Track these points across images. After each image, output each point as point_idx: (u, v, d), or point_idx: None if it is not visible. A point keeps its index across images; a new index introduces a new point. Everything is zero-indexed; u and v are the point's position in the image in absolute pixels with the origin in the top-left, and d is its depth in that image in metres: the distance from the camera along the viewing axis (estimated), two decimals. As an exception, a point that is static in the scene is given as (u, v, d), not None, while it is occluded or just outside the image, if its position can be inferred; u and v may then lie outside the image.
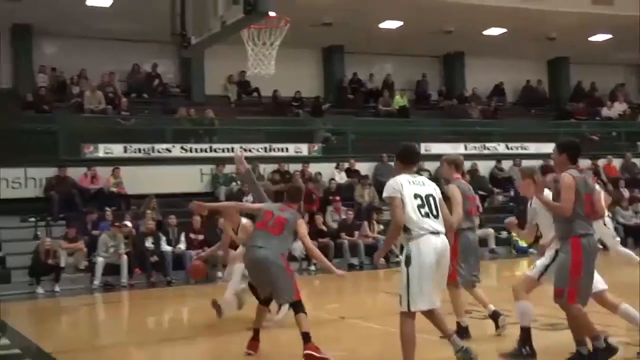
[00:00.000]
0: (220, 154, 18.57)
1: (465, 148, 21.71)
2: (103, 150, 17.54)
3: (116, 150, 17.65)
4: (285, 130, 21.16)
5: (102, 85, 19.91)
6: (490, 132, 23.01)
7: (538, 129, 24.13)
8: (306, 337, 6.27)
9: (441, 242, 5.40)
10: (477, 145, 22.02)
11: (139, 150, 17.85)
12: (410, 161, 5.71)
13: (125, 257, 14.26)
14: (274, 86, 21.44)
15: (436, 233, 5.39)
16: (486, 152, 22.02)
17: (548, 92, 27.14)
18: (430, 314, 5.50)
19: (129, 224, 14.88)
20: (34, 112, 18.50)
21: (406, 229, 5.37)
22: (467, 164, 20.69)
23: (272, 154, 19.29)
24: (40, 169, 16.39)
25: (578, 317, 5.53)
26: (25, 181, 16.21)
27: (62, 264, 13.94)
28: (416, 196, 5.43)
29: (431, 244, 5.33)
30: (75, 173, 16.66)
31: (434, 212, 5.45)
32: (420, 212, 5.38)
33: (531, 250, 17.80)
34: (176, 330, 9.09)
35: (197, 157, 18.41)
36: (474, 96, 24.96)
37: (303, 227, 6.84)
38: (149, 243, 14.74)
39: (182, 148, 18.39)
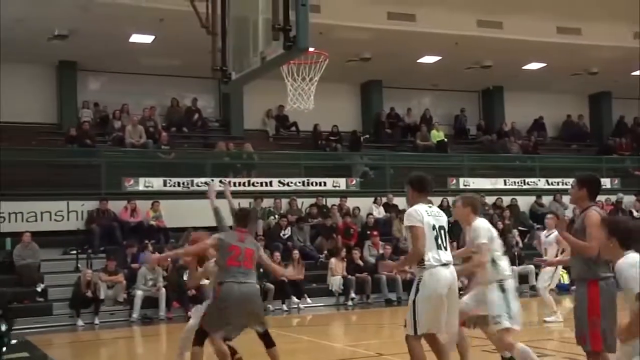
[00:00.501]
0: (259, 188, 18.70)
1: (505, 183, 21.60)
2: (143, 183, 17.76)
3: (156, 183, 17.87)
4: (323, 164, 21.21)
5: (143, 119, 20.23)
6: (531, 167, 22.81)
7: (579, 164, 23.77)
8: None
9: (450, 273, 5.62)
10: (517, 180, 21.82)
11: (178, 184, 18.04)
12: (424, 190, 5.90)
13: (163, 290, 14.35)
14: (312, 120, 21.53)
15: (446, 264, 5.61)
16: (526, 187, 21.78)
17: (589, 127, 26.80)
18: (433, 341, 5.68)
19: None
20: (77, 146, 18.85)
21: (420, 259, 5.58)
22: (507, 199, 20.59)
23: (310, 188, 19.32)
24: (82, 201, 16.65)
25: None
26: (67, 214, 16.45)
27: (102, 297, 14.08)
28: (433, 227, 5.63)
29: (442, 275, 5.56)
30: (116, 206, 16.89)
31: (444, 244, 5.67)
32: (436, 243, 5.60)
33: (573, 287, 17.42)
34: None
35: (235, 191, 18.42)
36: (513, 131, 24.76)
37: (263, 252, 7.01)
38: (187, 276, 14.77)
39: (220, 182, 18.48)
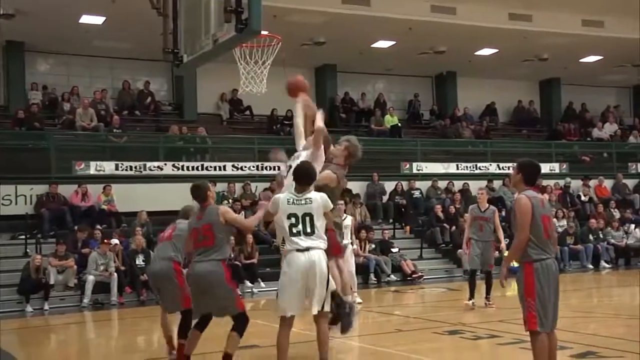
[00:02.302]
0: (212, 172, 18.61)
1: (457, 167, 21.91)
2: (94, 167, 17.52)
3: (108, 167, 17.64)
4: (277, 148, 21.15)
5: (94, 102, 19.92)
6: (482, 151, 23.14)
7: (529, 149, 24.27)
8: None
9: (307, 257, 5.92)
10: (469, 165, 22.17)
11: (131, 168, 17.84)
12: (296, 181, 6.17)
13: (115, 275, 14.21)
14: (267, 105, 21.49)
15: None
16: (478, 171, 22.14)
17: (539, 113, 27.31)
18: None
19: (116, 241, 14.83)
20: (26, 129, 18.48)
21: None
22: (459, 184, 20.87)
23: (264, 172, 19.30)
24: (31, 185, 16.39)
25: (536, 348, 5.42)
26: (15, 198, 16.19)
27: (52, 282, 13.88)
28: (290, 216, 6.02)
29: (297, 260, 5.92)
30: (66, 190, 16.64)
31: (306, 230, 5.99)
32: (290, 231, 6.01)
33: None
34: (165, 349, 9.01)
35: (188, 175, 18.34)
36: (465, 116, 25.09)
37: (229, 213, 6.73)
38: (139, 261, 14.68)
39: (173, 166, 18.38)
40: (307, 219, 6.01)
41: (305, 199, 6.06)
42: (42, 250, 14.92)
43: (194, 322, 6.75)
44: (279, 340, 6.01)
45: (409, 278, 16.84)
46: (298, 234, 5.99)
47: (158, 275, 7.33)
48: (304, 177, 6.19)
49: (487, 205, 11.68)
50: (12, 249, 15.28)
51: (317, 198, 6.09)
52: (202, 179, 17.78)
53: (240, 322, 6.44)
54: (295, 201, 6.06)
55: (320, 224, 6.05)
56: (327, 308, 6.09)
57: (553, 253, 5.49)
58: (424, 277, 16.99)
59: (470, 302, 11.28)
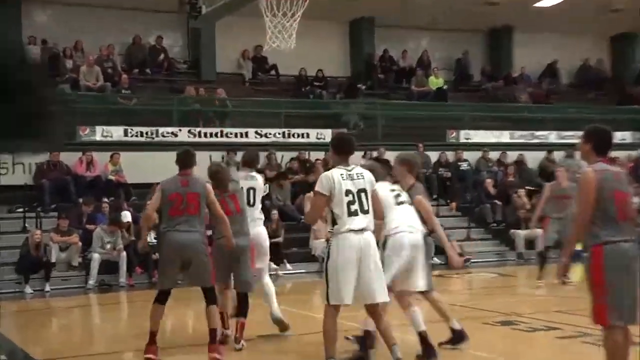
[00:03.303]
0: (232, 139, 18.69)
1: (511, 136, 21.71)
2: (100, 133, 17.69)
3: (115, 133, 17.79)
4: (306, 113, 21.20)
5: (100, 59, 20.04)
6: (541, 118, 22.92)
7: (596, 115, 23.81)
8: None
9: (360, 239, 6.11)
10: (525, 133, 21.96)
11: (141, 134, 17.99)
12: (344, 151, 6.40)
13: (124, 253, 14.37)
14: (294, 64, 21.47)
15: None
16: (535, 141, 21.93)
17: (610, 73, 26.85)
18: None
19: (128, 216, 14.97)
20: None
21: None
22: (513, 155, 20.69)
23: (291, 140, 19.37)
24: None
25: (608, 345, 5.21)
26: (12, 167, 16.32)
27: (53, 260, 14.11)
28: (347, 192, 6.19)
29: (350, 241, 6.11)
30: (69, 158, 16.82)
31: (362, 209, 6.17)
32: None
33: (586, 254, 17.66)
34: (179, 337, 9.14)
35: (206, 143, 18.45)
36: (522, 77, 24.81)
37: (212, 194, 7.31)
38: (151, 238, 14.81)
39: (189, 132, 18.47)
40: (362, 195, 6.18)
41: (357, 174, 6.26)
42: (43, 225, 15.14)
43: (157, 293, 7.48)
44: (328, 328, 6.15)
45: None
46: (355, 213, 6.12)
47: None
48: (348, 145, 6.45)
49: (567, 182, 12.21)
50: (10, 223, 15.49)
51: (366, 173, 6.32)
52: (221, 147, 18.18)
53: (213, 294, 7.27)
54: (348, 176, 6.22)
55: (370, 201, 6.23)
56: (385, 298, 6.24)
57: (633, 235, 5.20)
58: (472, 261, 16.94)
59: (541, 282, 11.72)
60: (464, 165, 20.22)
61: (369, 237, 6.15)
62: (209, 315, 7.19)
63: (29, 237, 14.16)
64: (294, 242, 16.33)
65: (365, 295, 6.15)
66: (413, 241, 6.79)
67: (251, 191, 8.37)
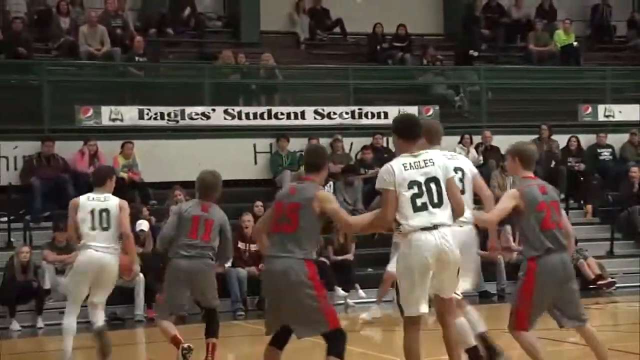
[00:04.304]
0: (284, 122, 18.77)
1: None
2: (108, 115, 17.80)
3: (127, 115, 17.91)
4: (383, 85, 21.11)
5: (106, 16, 20.18)
6: None
7: None
8: None
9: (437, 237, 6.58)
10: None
11: (162, 116, 18.08)
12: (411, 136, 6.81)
13: (141, 277, 14.41)
14: (366, 19, 21.44)
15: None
16: None
17: None
18: None
19: (144, 225, 15.02)
20: (5, 57, 18.91)
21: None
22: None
23: (363, 121, 19.34)
24: (15, 142, 16.75)
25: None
26: (-7, 160, 16.65)
27: (48, 286, 14.19)
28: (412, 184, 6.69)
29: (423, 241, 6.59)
30: (67, 150, 17.01)
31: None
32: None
33: None
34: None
35: (248, 127, 18.51)
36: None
37: (330, 201, 7.14)
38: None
39: (226, 112, 18.50)
40: (433, 185, 6.61)
41: (425, 160, 6.68)
42: (33, 240, 15.28)
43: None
44: (409, 345, 6.66)
45: (592, 286, 16.52)
46: (424, 207, 6.56)
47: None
48: (414, 129, 6.85)
49: None
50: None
51: (438, 157, 6.78)
52: (269, 132, 18.16)
53: (337, 341, 6.79)
54: (413, 164, 6.65)
55: (446, 192, 6.64)
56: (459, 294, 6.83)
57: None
58: (617, 285, 16.62)
59: None
60: (605, 154, 19.94)
61: (445, 235, 6.55)
62: None
63: (14, 255, 14.26)
64: (370, 260, 16.19)
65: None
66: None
67: None
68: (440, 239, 6.52)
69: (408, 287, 6.60)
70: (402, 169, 6.61)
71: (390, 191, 6.58)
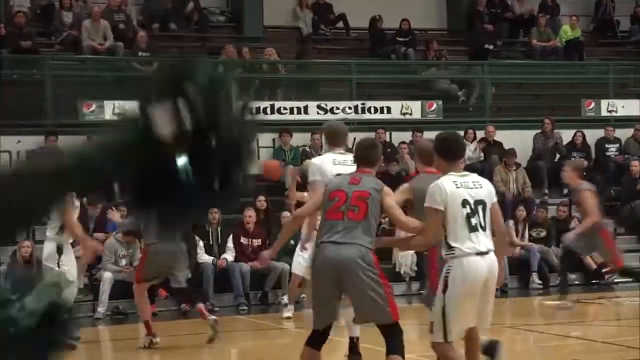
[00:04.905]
0: (287, 117, 18.80)
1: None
2: (112, 110, 17.78)
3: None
4: (386, 80, 21.07)
5: (109, 10, 20.20)
6: None
7: None
8: None
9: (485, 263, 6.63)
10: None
11: (166, 111, 18.05)
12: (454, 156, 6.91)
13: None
14: (370, 12, 21.43)
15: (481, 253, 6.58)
16: None
17: None
18: None
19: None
20: (7, 52, 18.93)
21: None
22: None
23: (367, 116, 19.36)
24: (18, 137, 16.72)
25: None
26: (-4, 154, 16.67)
27: (50, 280, 14.19)
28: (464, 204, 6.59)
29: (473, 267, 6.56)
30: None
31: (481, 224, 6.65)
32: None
33: None
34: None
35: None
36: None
37: (390, 196, 7.21)
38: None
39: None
40: (480, 208, 6.57)
41: (473, 182, 6.71)
42: (36, 234, 15.27)
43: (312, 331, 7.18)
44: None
45: (594, 281, 16.50)
46: (475, 228, 6.51)
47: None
48: (459, 148, 7.14)
49: None
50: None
51: (485, 182, 6.87)
52: (272, 127, 18.15)
53: (397, 339, 6.83)
54: (463, 184, 6.62)
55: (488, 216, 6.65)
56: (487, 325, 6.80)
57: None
58: (619, 280, 16.65)
59: None
60: (612, 149, 19.92)
61: (493, 262, 6.56)
62: None
63: (16, 250, 14.28)
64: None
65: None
66: None
67: None
68: (491, 265, 6.55)
69: (454, 314, 6.52)
70: (453, 187, 6.56)
71: (440, 211, 6.50)
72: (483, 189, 6.67)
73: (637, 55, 23.53)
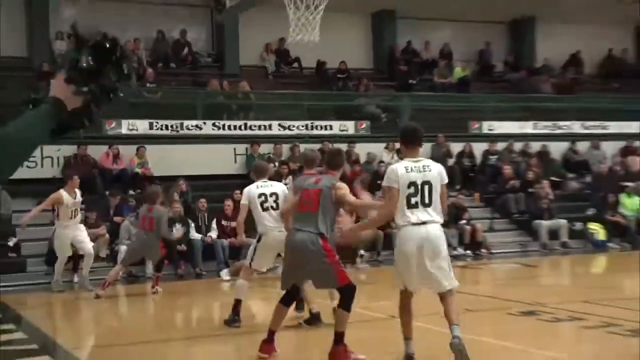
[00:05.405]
0: (257, 132, 18.71)
1: (535, 127, 21.58)
2: (126, 126, 17.77)
3: (141, 126, 17.87)
4: (329, 105, 21.15)
5: (126, 54, 20.11)
6: (565, 108, 22.65)
7: (620, 105, 23.62)
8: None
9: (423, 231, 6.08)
10: (549, 124, 21.78)
11: (167, 127, 18.05)
12: (411, 142, 6.38)
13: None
14: (317, 56, 21.49)
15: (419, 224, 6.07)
16: (559, 131, 21.76)
17: (634, 63, 26.60)
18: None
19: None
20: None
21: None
22: (537, 145, 20.57)
23: (315, 132, 19.33)
24: (57, 146, 16.59)
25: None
26: (41, 160, 16.43)
27: (81, 252, 14.17)
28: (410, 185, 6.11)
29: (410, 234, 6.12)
30: (96, 152, 16.93)
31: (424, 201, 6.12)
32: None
33: (610, 244, 17.59)
34: (204, 327, 9.20)
35: (230, 136, 18.53)
36: (545, 67, 24.61)
37: (343, 189, 6.81)
38: (176, 230, 14.91)
39: (214, 125, 18.52)
40: (427, 188, 6.09)
41: (424, 166, 6.16)
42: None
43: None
44: (401, 311, 6.33)
45: (477, 252, 16.75)
46: (415, 205, 6.06)
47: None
48: (417, 138, 6.38)
49: None
50: (39, 215, 15.59)
51: (435, 166, 6.25)
52: (245, 140, 18.21)
53: (346, 295, 6.47)
54: (413, 168, 6.13)
55: (437, 195, 6.13)
56: (448, 286, 6.17)
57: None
58: (495, 251, 16.87)
59: None
60: (492, 158, 19.97)
61: (432, 230, 6.06)
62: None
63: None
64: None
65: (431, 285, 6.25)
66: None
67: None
68: (426, 233, 6.02)
69: (398, 272, 6.22)
70: (404, 171, 6.09)
71: (395, 188, 6.06)
72: (432, 171, 6.13)
73: (508, 90, 23.74)
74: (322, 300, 8.07)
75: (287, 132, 19.08)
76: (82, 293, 12.92)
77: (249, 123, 18.98)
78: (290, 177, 17.20)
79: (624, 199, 18.38)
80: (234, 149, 18.21)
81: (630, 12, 24.31)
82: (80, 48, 2.50)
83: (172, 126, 18.07)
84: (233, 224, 15.18)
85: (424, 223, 6.01)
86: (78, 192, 13.11)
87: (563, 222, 17.82)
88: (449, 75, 23.13)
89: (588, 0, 22.86)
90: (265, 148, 17.95)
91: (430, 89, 22.79)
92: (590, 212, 18.53)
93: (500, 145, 20.18)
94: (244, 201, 8.89)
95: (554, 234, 17.66)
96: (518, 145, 20.52)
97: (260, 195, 8.67)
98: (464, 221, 17.10)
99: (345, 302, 6.36)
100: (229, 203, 15.24)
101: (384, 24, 23.85)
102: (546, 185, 18.55)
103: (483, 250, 16.82)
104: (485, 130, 20.77)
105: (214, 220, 15.32)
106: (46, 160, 16.51)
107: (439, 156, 19.60)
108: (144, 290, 13.37)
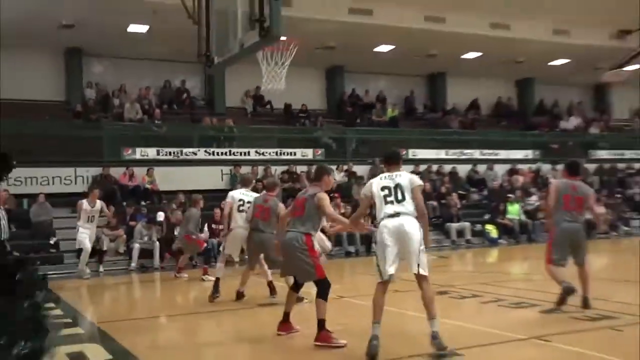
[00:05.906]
0: (238, 157, 18.59)
1: (447, 154, 21.78)
2: (140, 153, 17.56)
3: (150, 153, 17.66)
4: (293, 137, 21.12)
5: (139, 98, 19.91)
6: (468, 140, 22.92)
7: (507, 138, 24.06)
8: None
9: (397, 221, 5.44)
10: (456, 151, 22.00)
11: (170, 154, 17.86)
12: (387, 162, 5.94)
13: (157, 243, 14.25)
14: (284, 99, 21.46)
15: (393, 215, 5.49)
16: (464, 157, 21.98)
17: (516, 107, 27.08)
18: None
19: (161, 216, 14.86)
20: (83, 120, 18.51)
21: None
22: (448, 167, 20.80)
23: (283, 157, 19.27)
24: (87, 168, 16.44)
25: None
26: (75, 178, 16.25)
27: (105, 248, 13.95)
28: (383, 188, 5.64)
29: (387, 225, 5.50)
30: (116, 172, 16.72)
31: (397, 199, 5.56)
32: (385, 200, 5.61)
33: (500, 240, 17.80)
34: (201, 305, 9.08)
35: (218, 160, 18.40)
36: (454, 110, 24.90)
37: (324, 201, 6.24)
38: (177, 232, 14.69)
39: (206, 152, 18.38)
40: (398, 189, 5.56)
41: (396, 174, 5.66)
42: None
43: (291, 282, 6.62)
44: (374, 298, 5.48)
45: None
46: (391, 202, 5.52)
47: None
48: (393, 158, 5.89)
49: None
50: (72, 221, 15.11)
51: (406, 174, 5.69)
52: (229, 163, 18.09)
53: (322, 287, 6.01)
54: (387, 177, 5.67)
55: (409, 195, 5.52)
56: (423, 271, 5.41)
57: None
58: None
59: None
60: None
61: (404, 220, 5.42)
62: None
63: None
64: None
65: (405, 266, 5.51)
66: None
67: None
68: (399, 222, 5.40)
69: (378, 260, 5.48)
70: (378, 180, 5.67)
71: (366, 197, 5.68)
72: (403, 177, 5.59)
73: (427, 126, 23.84)
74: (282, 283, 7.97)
75: (261, 157, 19.00)
76: (105, 280, 12.67)
77: (233, 150, 18.85)
78: (264, 192, 17.08)
79: (509, 206, 18.64)
80: (221, 170, 18.09)
81: (512, 70, 24.87)
82: None
83: (174, 152, 17.88)
84: (221, 226, 15.06)
85: (397, 214, 5.42)
86: (99, 202, 12.83)
87: (467, 224, 17.99)
88: (384, 115, 23.20)
89: (483, 61, 23.22)
90: (245, 169, 17.82)
91: (369, 125, 22.82)
92: (487, 216, 18.76)
93: (422, 167, 20.31)
94: (229, 199, 9.02)
95: (460, 233, 17.82)
96: (434, 167, 20.66)
97: (240, 200, 8.91)
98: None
99: (323, 293, 5.89)
100: (217, 211, 15.07)
101: (335, 76, 23.91)
102: (455, 197, 18.75)
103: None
104: (410, 156, 20.85)
105: (206, 225, 15.09)
106: (79, 178, 16.28)
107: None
108: (152, 278, 13.18)
